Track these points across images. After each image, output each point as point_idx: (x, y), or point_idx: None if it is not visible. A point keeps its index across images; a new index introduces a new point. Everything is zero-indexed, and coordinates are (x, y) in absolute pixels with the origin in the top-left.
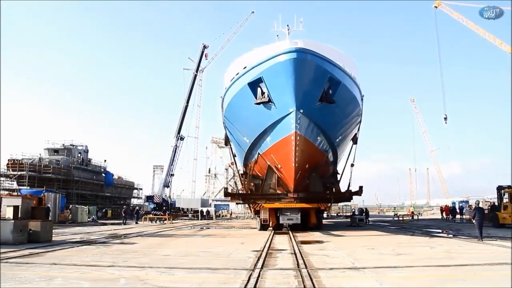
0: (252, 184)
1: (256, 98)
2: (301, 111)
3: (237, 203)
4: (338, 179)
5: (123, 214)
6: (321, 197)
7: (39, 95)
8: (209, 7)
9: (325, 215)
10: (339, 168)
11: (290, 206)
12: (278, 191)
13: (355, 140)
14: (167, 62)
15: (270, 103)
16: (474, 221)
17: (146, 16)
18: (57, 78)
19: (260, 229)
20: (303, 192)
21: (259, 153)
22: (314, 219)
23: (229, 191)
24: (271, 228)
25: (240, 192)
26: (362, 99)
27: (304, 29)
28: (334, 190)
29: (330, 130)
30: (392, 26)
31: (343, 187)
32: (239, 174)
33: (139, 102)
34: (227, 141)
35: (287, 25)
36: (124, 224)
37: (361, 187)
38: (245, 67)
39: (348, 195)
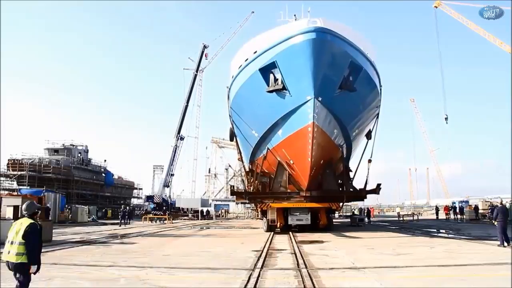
0: (258, 182)
1: (268, 85)
2: (320, 99)
3: (242, 203)
4: (351, 176)
5: (122, 215)
6: (333, 196)
7: (39, 95)
8: (209, 7)
9: None
10: (352, 165)
11: (300, 206)
12: (289, 190)
13: (369, 135)
14: (167, 62)
15: (284, 90)
16: (496, 223)
17: (146, 16)
18: (57, 78)
19: (267, 230)
20: (316, 190)
21: (268, 148)
22: (324, 220)
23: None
24: (279, 229)
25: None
26: (381, 89)
27: None
28: (345, 188)
29: (348, 122)
30: (392, 26)
31: (355, 185)
32: (245, 171)
33: (139, 102)
34: (232, 136)
35: (294, 15)
36: (121, 225)
37: (379, 185)
38: (255, 52)
39: (364, 194)
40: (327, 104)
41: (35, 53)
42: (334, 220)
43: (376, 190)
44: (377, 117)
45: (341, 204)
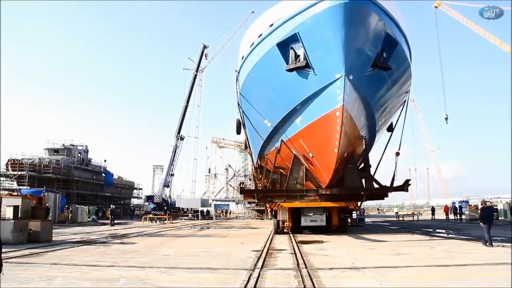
0: (267, 180)
1: (287, 63)
2: (351, 77)
3: (249, 203)
4: (371, 172)
5: (111, 214)
6: (354, 194)
7: (39, 95)
8: (209, 7)
9: None
10: (371, 160)
11: (314, 206)
12: (305, 187)
13: (390, 128)
14: (167, 62)
15: (307, 68)
16: (482, 225)
17: (146, 16)
18: (57, 78)
19: (276, 232)
20: (336, 187)
21: (282, 140)
22: (336, 220)
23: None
24: (290, 231)
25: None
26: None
27: None
28: (370, 185)
29: (377, 108)
30: None
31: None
32: (253, 168)
33: (139, 101)
34: (239, 128)
35: None
36: (113, 225)
37: (407, 181)
38: (271, 25)
39: (391, 190)
40: (357, 85)
41: (35, 53)
42: None
43: (404, 187)
44: (405, 105)
45: (359, 203)
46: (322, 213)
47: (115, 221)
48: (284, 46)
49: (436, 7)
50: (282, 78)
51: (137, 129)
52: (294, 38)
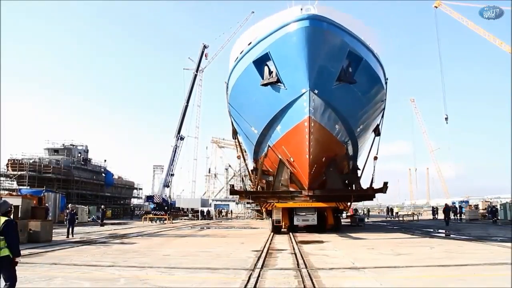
0: (264, 181)
1: (263, 78)
2: (316, 91)
3: (247, 203)
4: (359, 175)
5: (101, 214)
6: (340, 196)
7: (39, 95)
8: (209, 7)
9: None
10: (359, 163)
11: (306, 206)
12: (291, 189)
13: (377, 131)
14: (167, 62)
15: (279, 83)
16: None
17: (146, 17)
18: (57, 78)
19: (272, 231)
20: (319, 189)
21: (269, 146)
22: (331, 220)
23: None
24: (285, 230)
25: (249, 190)
26: (386, 83)
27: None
28: (354, 187)
29: (351, 116)
30: (391, 26)
31: (363, 184)
32: (248, 170)
33: (139, 101)
34: (234, 134)
35: (301, 9)
36: (103, 225)
37: (385, 183)
38: (250, 43)
39: (371, 193)
40: (324, 97)
41: (35, 54)
42: None
43: (383, 189)
44: (383, 113)
45: (348, 203)
46: (314, 212)
47: (104, 221)
48: (260, 63)
49: (436, 7)
50: (260, 92)
51: (137, 129)
52: (266, 57)
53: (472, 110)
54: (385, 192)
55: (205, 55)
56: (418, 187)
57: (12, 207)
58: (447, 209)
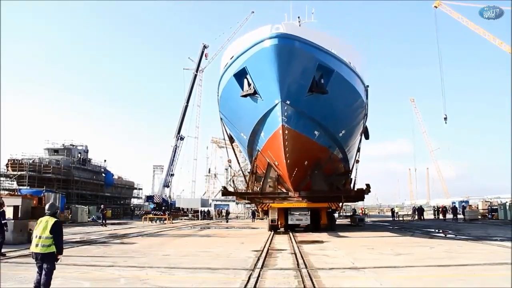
0: (255, 183)
1: (242, 90)
2: (288, 102)
3: (247, 203)
4: (351, 177)
5: (102, 215)
6: (330, 196)
7: (39, 95)
8: (209, 7)
9: None
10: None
11: (299, 206)
12: (282, 189)
13: (366, 135)
14: (166, 62)
15: (256, 95)
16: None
17: (146, 16)
18: (57, 78)
19: (269, 230)
20: (305, 191)
21: (258, 150)
22: (325, 220)
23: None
24: (282, 229)
25: (242, 191)
26: (366, 90)
27: (317, 21)
28: (349, 188)
29: (328, 123)
30: (391, 26)
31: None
32: (243, 173)
33: (139, 102)
34: (230, 139)
35: (298, 17)
36: (104, 225)
37: (368, 185)
38: (232, 57)
39: (354, 194)
40: (297, 107)
41: (35, 54)
42: None
43: (366, 191)
44: (365, 117)
45: (340, 204)
46: (307, 213)
47: (103, 221)
48: (240, 76)
49: (436, 7)
50: (241, 102)
51: (137, 129)
52: (244, 71)
53: (472, 110)
54: (367, 193)
55: (205, 55)
56: (418, 187)
57: (58, 208)
58: (444, 209)
